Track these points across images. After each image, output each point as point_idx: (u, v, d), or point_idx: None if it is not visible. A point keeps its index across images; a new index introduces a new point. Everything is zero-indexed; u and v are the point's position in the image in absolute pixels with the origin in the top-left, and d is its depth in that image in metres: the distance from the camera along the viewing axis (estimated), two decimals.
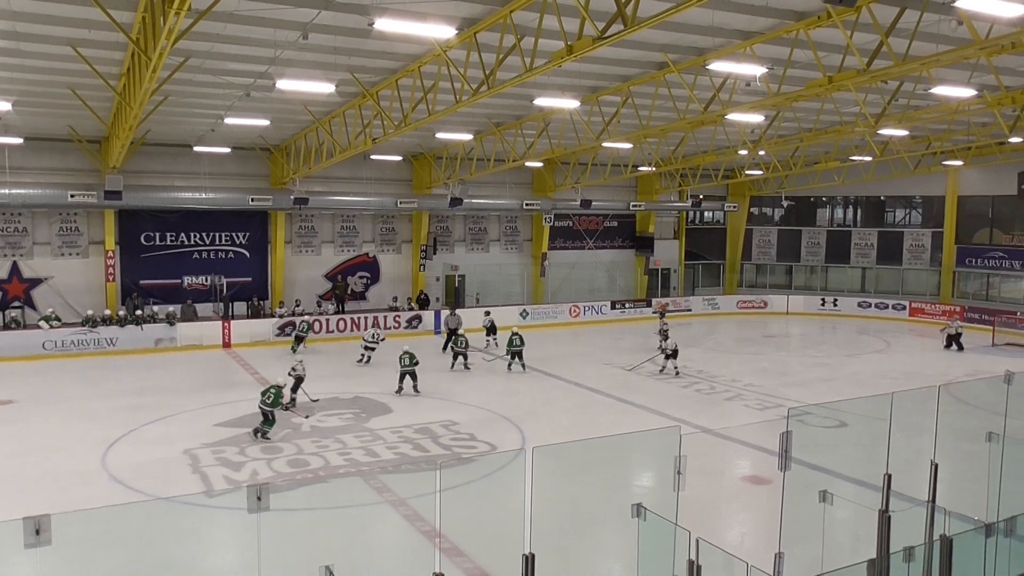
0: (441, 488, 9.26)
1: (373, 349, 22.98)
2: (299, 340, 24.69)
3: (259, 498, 5.75)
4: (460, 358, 22.14)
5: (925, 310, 32.55)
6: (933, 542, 6.63)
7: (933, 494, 6.85)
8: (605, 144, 23.19)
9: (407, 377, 19.09)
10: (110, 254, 25.95)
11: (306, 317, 26.29)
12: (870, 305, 33.85)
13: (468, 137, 24.37)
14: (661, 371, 21.70)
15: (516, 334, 22.30)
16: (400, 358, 19.21)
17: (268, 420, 15.10)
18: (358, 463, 13.86)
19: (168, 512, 10.46)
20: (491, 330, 26.17)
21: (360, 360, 22.81)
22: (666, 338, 23.40)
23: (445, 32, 11.61)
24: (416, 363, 19.18)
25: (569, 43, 11.29)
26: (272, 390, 15.19)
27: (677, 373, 21.44)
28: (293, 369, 17.66)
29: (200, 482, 12.78)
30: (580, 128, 22.11)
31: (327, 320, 26.97)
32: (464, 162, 27.66)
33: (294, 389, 17.29)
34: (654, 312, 31.30)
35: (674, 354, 21.66)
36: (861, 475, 10.67)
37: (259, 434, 15.06)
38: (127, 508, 9.79)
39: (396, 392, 19.00)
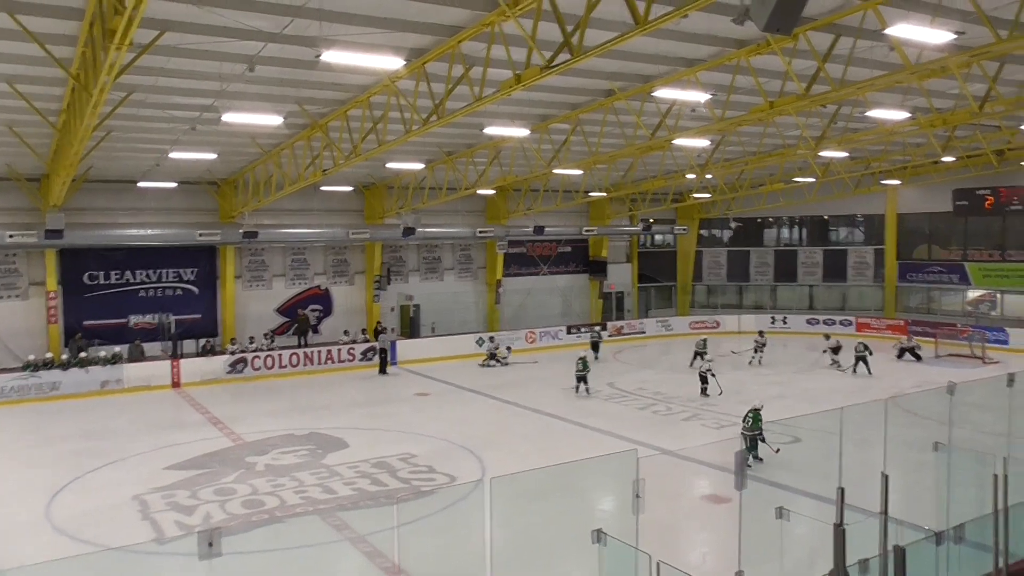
0: (400, 523, 9.12)
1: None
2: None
3: (211, 544, 5.58)
4: (582, 383, 22.31)
5: (871, 325, 33.36)
6: (887, 553, 6.74)
7: (885, 505, 6.97)
8: (556, 171, 23.43)
9: (581, 381, 22.10)
10: (51, 295, 25.16)
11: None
12: (818, 322, 34.53)
13: (419, 166, 24.39)
14: (831, 364, 25.60)
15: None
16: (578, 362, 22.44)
17: (751, 446, 14.69)
18: (315, 501, 13.56)
19: (117, 563, 10.04)
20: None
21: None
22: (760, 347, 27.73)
23: (393, 63, 11.66)
24: (588, 369, 22.40)
25: (518, 72, 11.44)
26: (751, 414, 15.03)
27: (847, 369, 25.04)
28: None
29: (150, 529, 12.35)
30: (531, 155, 22.32)
31: (279, 355, 26.48)
32: (416, 191, 27.67)
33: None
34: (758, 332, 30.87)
35: (836, 350, 25.79)
36: (816, 489, 10.84)
37: (750, 460, 14.31)
38: (73, 561, 9.38)
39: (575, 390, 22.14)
